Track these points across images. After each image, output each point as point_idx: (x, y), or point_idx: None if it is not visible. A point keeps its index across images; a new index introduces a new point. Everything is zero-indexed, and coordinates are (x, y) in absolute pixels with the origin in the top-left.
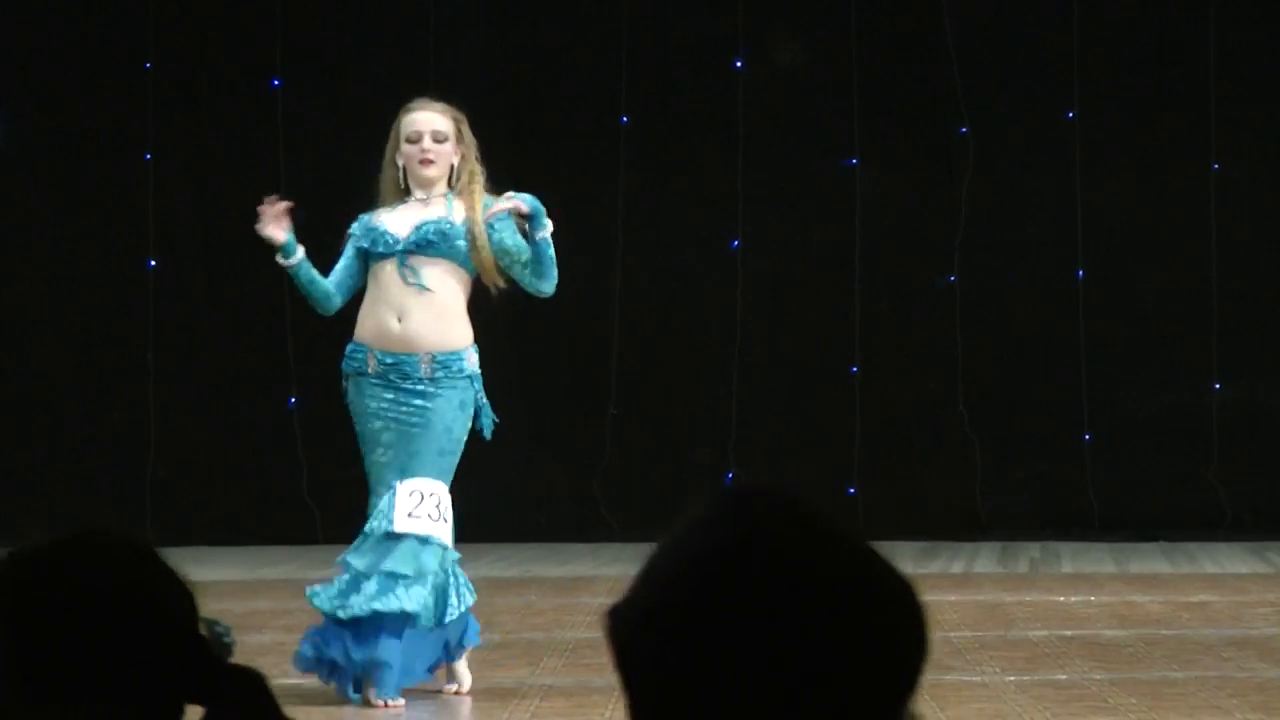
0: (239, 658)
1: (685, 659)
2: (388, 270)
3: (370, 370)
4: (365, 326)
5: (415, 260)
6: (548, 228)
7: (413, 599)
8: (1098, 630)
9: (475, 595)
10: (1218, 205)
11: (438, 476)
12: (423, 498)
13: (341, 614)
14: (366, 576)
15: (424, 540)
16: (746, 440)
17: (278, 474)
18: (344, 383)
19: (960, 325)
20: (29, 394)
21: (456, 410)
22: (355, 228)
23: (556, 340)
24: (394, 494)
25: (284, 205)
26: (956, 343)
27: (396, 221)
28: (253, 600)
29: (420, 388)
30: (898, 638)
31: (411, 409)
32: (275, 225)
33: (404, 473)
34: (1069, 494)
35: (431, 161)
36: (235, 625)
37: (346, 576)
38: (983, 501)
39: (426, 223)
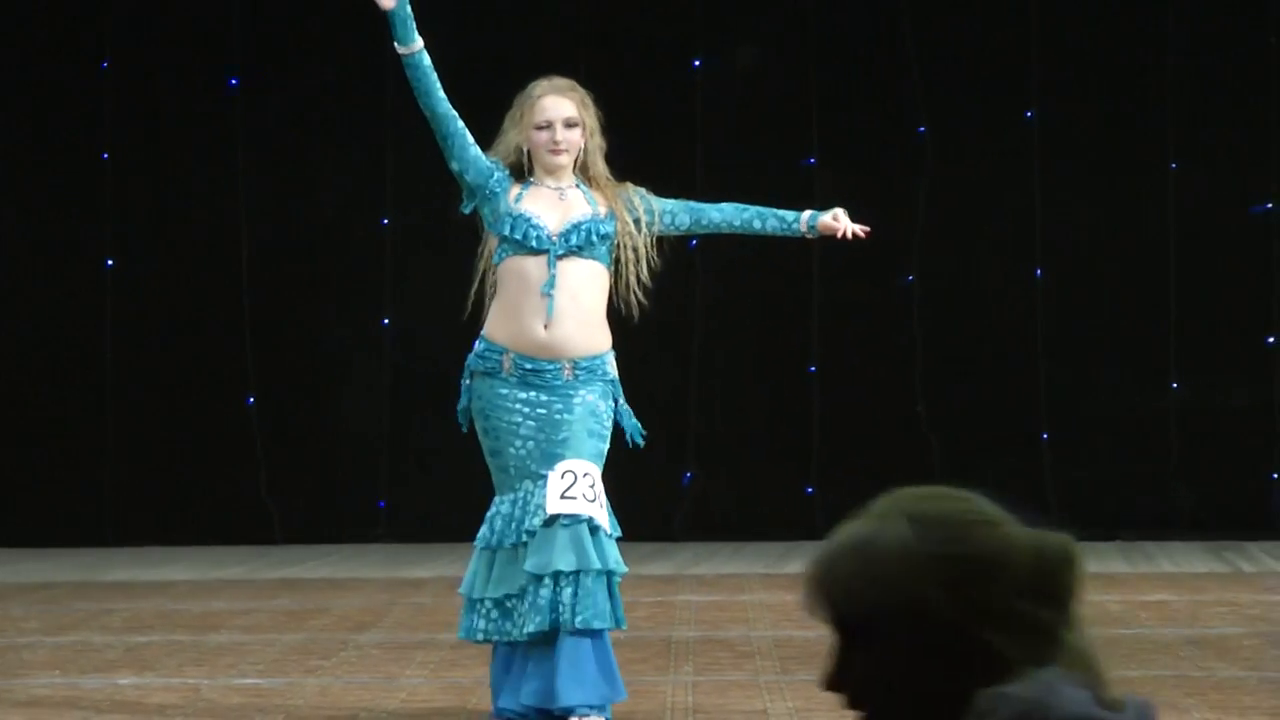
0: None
1: None
2: (534, 269)
3: (505, 372)
4: (503, 328)
5: (566, 262)
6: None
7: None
8: None
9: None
10: (1176, 205)
11: (589, 458)
12: (576, 478)
13: (518, 634)
14: (538, 580)
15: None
16: (703, 439)
17: (236, 474)
18: (465, 380)
19: (918, 324)
20: None
21: (599, 399)
22: (491, 166)
23: None
24: (545, 482)
25: None
26: (915, 342)
27: (545, 214)
28: (211, 600)
29: (560, 387)
30: None
31: (554, 397)
32: None
33: (551, 460)
34: (1027, 493)
35: (564, 150)
36: (193, 626)
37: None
38: None
39: (581, 223)
